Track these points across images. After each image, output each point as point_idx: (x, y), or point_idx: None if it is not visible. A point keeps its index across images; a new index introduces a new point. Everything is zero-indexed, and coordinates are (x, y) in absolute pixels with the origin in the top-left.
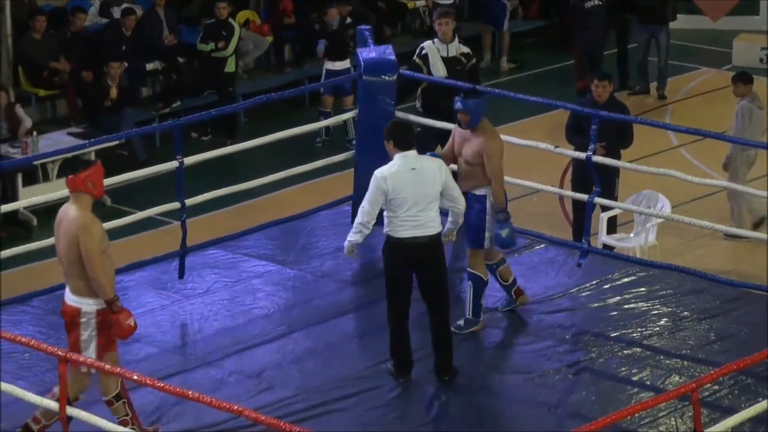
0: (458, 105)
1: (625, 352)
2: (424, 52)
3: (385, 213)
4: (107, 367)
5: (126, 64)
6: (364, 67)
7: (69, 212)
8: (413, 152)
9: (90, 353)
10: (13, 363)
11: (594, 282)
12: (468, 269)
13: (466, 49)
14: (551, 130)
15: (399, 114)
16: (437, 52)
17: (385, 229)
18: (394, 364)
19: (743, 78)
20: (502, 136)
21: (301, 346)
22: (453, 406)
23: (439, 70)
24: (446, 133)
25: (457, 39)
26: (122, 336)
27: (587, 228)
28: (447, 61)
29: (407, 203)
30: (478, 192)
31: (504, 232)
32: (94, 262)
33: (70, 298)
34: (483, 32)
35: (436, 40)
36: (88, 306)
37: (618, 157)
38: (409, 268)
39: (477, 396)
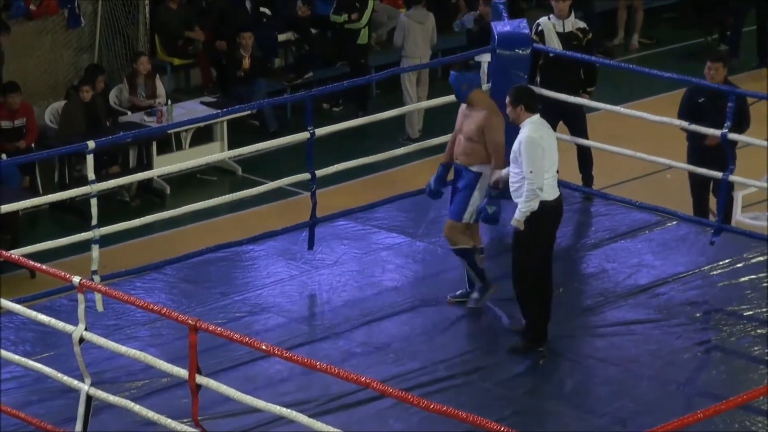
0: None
1: (758, 331)
2: (540, 28)
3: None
4: (236, 336)
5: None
6: (497, 40)
7: None
8: (538, 115)
9: None
10: (146, 330)
11: (727, 260)
12: (450, 247)
13: (582, 24)
14: None
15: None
16: (553, 28)
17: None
18: (532, 337)
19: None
20: (635, 112)
21: (430, 319)
22: (584, 381)
23: (553, 46)
24: (565, 109)
25: (573, 14)
26: None
27: (721, 205)
28: (563, 36)
29: (553, 164)
30: (474, 168)
31: (491, 209)
32: None
33: None
34: (619, 8)
35: (551, 16)
36: None
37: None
38: (555, 229)
39: (607, 372)
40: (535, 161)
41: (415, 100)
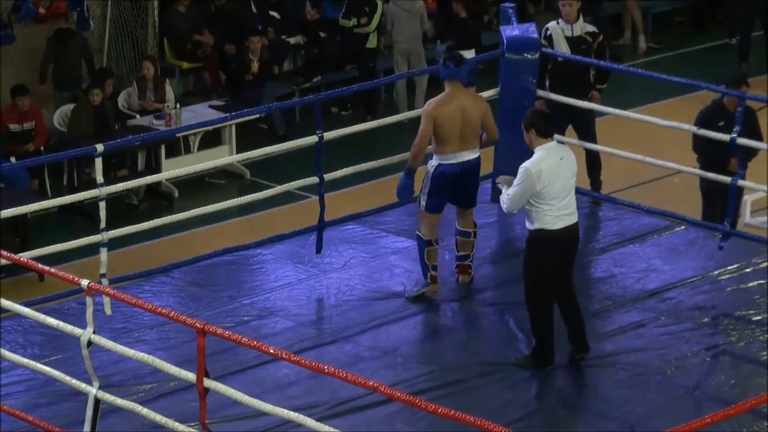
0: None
1: (766, 336)
2: (548, 33)
3: (532, 207)
4: (244, 339)
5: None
6: (506, 45)
7: None
8: (554, 141)
9: None
10: (154, 334)
11: (735, 265)
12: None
13: (591, 28)
14: (693, 111)
15: (540, 93)
16: (561, 32)
17: (536, 225)
18: (540, 357)
19: None
20: (644, 117)
21: (438, 322)
22: (593, 385)
23: (562, 51)
24: (574, 113)
25: (582, 18)
26: None
27: (730, 210)
28: (571, 40)
29: (561, 194)
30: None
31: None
32: None
33: None
34: (623, 11)
35: (560, 20)
36: None
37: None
38: (565, 257)
39: (615, 377)
40: (519, 191)
41: (403, 97)
